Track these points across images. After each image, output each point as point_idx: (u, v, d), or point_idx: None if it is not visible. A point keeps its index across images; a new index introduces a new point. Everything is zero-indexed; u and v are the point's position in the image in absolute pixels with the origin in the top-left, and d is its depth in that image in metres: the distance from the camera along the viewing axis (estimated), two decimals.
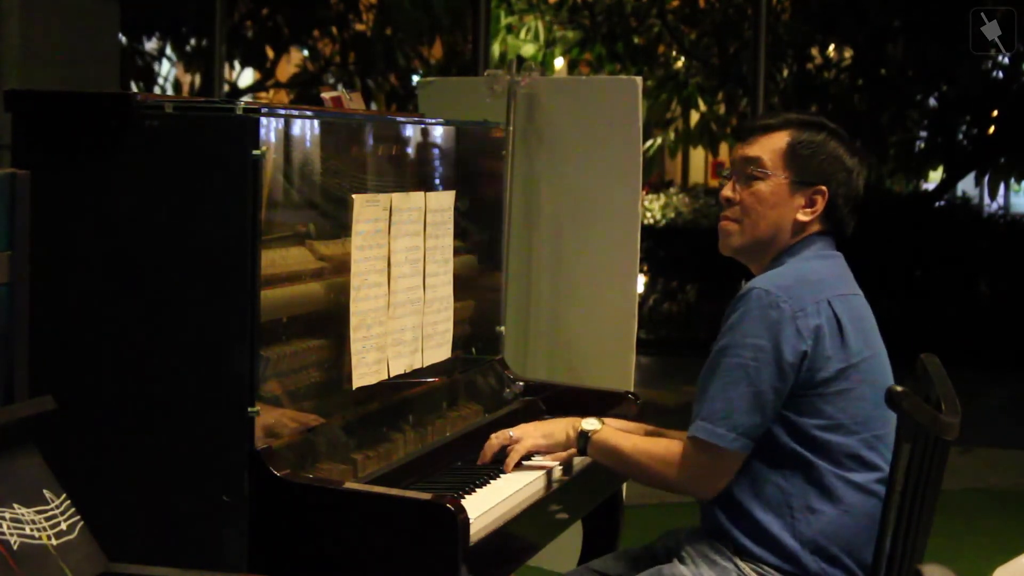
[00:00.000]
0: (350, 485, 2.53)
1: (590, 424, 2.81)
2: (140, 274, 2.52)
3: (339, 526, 2.45)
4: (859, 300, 2.70)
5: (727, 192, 2.74)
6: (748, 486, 2.59)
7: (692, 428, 2.59)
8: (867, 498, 2.59)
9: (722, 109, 11.42)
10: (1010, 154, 11.11)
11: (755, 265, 2.77)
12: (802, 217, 2.69)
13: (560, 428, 2.88)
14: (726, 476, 2.58)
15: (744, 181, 2.72)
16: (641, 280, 10.45)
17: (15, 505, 2.00)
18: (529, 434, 2.92)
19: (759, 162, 2.71)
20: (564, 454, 2.94)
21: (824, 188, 2.68)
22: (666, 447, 2.66)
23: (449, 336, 3.19)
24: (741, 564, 2.60)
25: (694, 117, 11.76)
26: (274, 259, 2.56)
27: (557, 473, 2.92)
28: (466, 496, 2.70)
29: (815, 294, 2.59)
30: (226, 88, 11.62)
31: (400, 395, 2.99)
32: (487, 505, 2.66)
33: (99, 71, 5.80)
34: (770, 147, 2.71)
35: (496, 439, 2.95)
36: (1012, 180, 11.64)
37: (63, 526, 2.06)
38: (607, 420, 3.12)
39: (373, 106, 11.03)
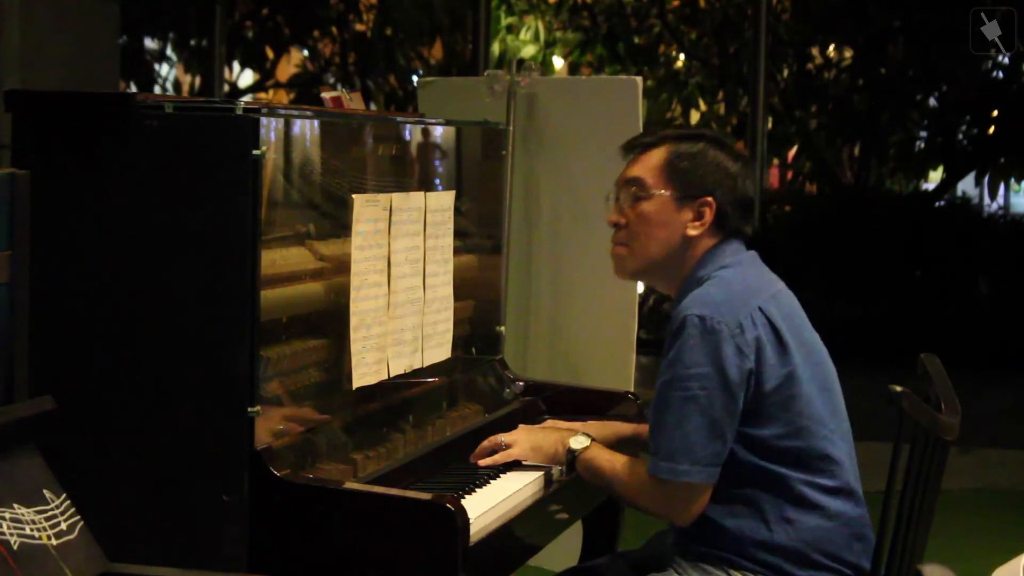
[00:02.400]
0: (350, 485, 2.53)
1: (578, 442, 2.77)
2: (140, 274, 2.52)
3: (339, 526, 2.45)
4: (784, 294, 2.67)
5: (613, 217, 2.71)
6: (720, 507, 2.57)
7: (655, 468, 2.54)
8: (841, 501, 2.58)
9: (722, 109, 11.43)
10: (1010, 154, 11.11)
11: (662, 285, 2.74)
12: (692, 232, 2.65)
13: (551, 443, 2.86)
14: (700, 504, 2.55)
15: (628, 203, 2.68)
16: None
17: (15, 505, 2.00)
18: (520, 443, 2.90)
19: (640, 182, 2.67)
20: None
21: (710, 199, 2.64)
22: (640, 476, 2.61)
23: (449, 336, 3.19)
24: (734, 573, 2.59)
25: (695, 116, 11.76)
26: (274, 259, 2.56)
27: (557, 473, 2.92)
28: (466, 496, 2.70)
29: (747, 305, 2.55)
30: (226, 88, 11.61)
31: (400, 395, 2.99)
32: (487, 505, 2.66)
33: (99, 71, 5.80)
34: (649, 165, 2.67)
35: (488, 443, 2.94)
36: (1012, 180, 11.65)
37: (63, 526, 2.06)
38: (609, 424, 3.12)
39: (373, 106, 11.03)
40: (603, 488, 2.78)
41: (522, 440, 2.91)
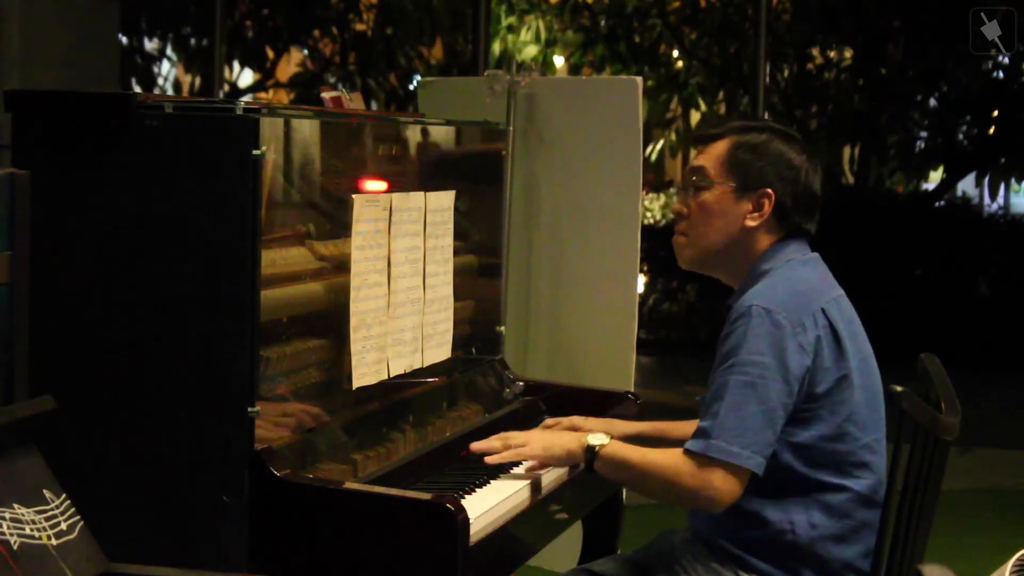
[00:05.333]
0: (350, 485, 2.53)
1: (597, 439, 2.70)
2: (140, 274, 2.52)
3: (339, 526, 2.45)
4: (845, 301, 2.68)
5: (676, 206, 2.74)
6: (748, 502, 2.56)
7: (705, 447, 2.50)
8: (868, 511, 2.58)
9: (723, 109, 11.42)
10: (1010, 154, 11.12)
11: (723, 276, 2.74)
12: (750, 223, 2.66)
13: (562, 443, 2.78)
14: (737, 491, 2.51)
15: (691, 193, 2.71)
16: (641, 280, 10.45)
17: (15, 505, 2.00)
18: (531, 443, 2.82)
19: (702, 171, 2.70)
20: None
21: (769, 191, 2.65)
22: (675, 460, 2.55)
23: (449, 336, 3.19)
24: (743, 575, 2.59)
25: (695, 116, 11.76)
26: (274, 259, 2.56)
27: (557, 473, 2.92)
28: (466, 496, 2.70)
29: (809, 305, 2.56)
30: (226, 88, 11.61)
31: (400, 395, 2.99)
32: (487, 505, 2.66)
33: (99, 71, 5.80)
34: (713, 156, 2.70)
35: (499, 440, 2.84)
36: (1012, 180, 11.65)
37: (63, 526, 2.06)
38: (611, 422, 3.12)
39: (373, 106, 11.03)
40: (628, 481, 2.73)
41: (534, 440, 2.84)
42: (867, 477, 2.59)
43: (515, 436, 2.87)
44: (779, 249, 2.66)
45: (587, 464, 2.70)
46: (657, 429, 3.05)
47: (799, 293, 2.58)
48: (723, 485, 2.51)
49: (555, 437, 2.85)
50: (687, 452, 2.53)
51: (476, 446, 2.86)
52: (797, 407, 2.53)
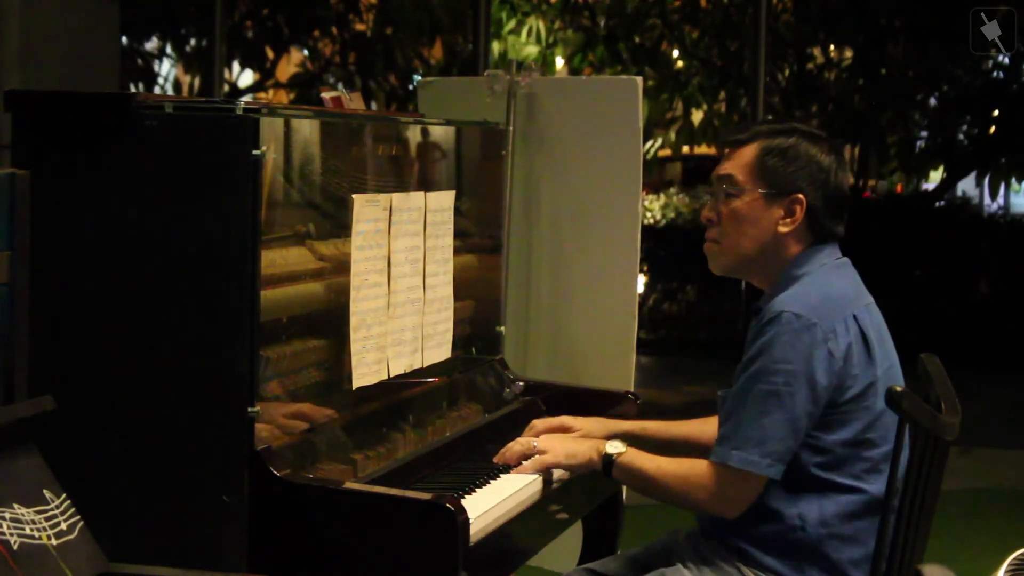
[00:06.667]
0: (350, 485, 2.53)
1: (614, 447, 2.74)
2: (140, 274, 2.52)
3: (339, 526, 2.45)
4: (875, 308, 2.68)
5: (706, 212, 2.74)
6: (764, 500, 2.57)
7: (724, 455, 2.55)
8: (877, 513, 2.59)
9: (723, 109, 11.42)
10: (1010, 154, 11.12)
11: (756, 280, 2.75)
12: (783, 228, 2.66)
13: (584, 450, 2.81)
14: (753, 497, 2.57)
15: (721, 200, 2.70)
16: (641, 280, 10.44)
17: (15, 505, 2.00)
18: (554, 450, 2.85)
19: (731, 179, 2.69)
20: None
21: (800, 196, 2.65)
22: (691, 469, 2.62)
23: (449, 336, 3.19)
24: (745, 570, 2.59)
25: (697, 115, 11.75)
26: (274, 259, 2.56)
27: (557, 473, 2.92)
28: (466, 496, 2.70)
29: (841, 311, 2.57)
30: (226, 88, 11.61)
31: (400, 395, 2.99)
32: (487, 505, 2.66)
33: (99, 71, 5.79)
34: (741, 162, 2.69)
35: (519, 446, 2.90)
36: (1012, 180, 11.65)
37: (63, 526, 2.06)
38: (608, 421, 3.12)
39: (373, 106, 11.03)
40: (644, 488, 2.75)
41: (556, 447, 2.87)
42: (879, 481, 2.58)
43: (534, 443, 2.89)
44: (812, 254, 2.67)
45: (605, 471, 2.75)
46: (642, 427, 3.07)
47: (832, 299, 2.59)
48: (738, 493, 2.56)
49: (576, 444, 2.87)
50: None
51: (500, 459, 2.91)
52: (823, 412, 2.54)
